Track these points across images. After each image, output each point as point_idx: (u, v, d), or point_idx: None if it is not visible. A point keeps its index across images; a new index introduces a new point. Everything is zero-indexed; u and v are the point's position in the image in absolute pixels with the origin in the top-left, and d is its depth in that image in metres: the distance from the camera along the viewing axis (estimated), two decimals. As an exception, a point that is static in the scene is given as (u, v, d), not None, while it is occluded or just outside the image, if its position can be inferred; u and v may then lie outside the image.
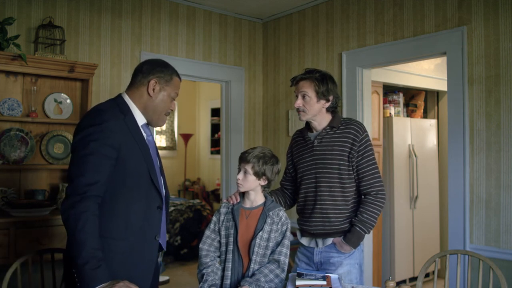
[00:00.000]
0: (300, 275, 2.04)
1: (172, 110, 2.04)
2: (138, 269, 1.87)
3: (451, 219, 3.15)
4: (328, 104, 2.39)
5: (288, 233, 2.12)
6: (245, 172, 2.10)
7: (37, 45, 3.30)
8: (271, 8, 4.36)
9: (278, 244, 2.08)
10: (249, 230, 2.09)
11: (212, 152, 7.92)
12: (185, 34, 4.19)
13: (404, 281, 4.81)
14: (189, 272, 5.59)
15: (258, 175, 2.10)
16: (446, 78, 3.27)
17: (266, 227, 2.08)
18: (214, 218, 2.18)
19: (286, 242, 2.10)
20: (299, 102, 2.40)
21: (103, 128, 1.79)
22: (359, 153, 2.35)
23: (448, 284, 2.82)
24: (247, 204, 2.15)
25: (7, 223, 2.97)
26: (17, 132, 3.26)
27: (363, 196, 2.40)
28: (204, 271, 2.07)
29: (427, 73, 5.01)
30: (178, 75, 2.04)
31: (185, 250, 5.90)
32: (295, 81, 2.43)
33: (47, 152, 3.37)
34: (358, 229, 2.32)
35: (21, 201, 3.18)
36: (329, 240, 2.37)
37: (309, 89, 2.37)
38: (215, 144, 7.69)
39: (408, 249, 4.86)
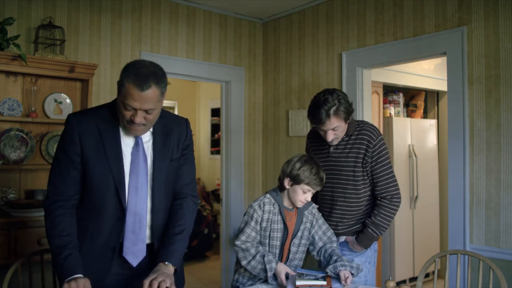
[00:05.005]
0: (300, 275, 2.04)
1: (132, 121, 1.74)
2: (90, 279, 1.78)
3: (451, 219, 3.15)
4: (350, 118, 2.38)
5: (323, 219, 2.33)
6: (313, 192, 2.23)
7: (37, 45, 3.30)
8: (271, 8, 4.36)
9: (324, 232, 2.29)
10: (290, 231, 2.21)
11: (212, 152, 7.92)
12: (185, 34, 4.19)
13: (404, 281, 4.81)
14: (189, 272, 5.58)
15: None
16: (446, 78, 3.27)
17: (302, 227, 2.22)
18: (255, 215, 2.16)
19: (327, 225, 2.33)
20: (331, 135, 2.33)
21: (69, 136, 1.80)
22: (373, 159, 2.36)
23: (448, 284, 2.82)
24: (286, 204, 2.23)
25: (7, 223, 2.97)
26: (17, 132, 3.26)
27: (378, 200, 2.43)
28: (261, 250, 2.13)
29: (427, 73, 5.01)
30: (135, 83, 1.67)
31: (185, 250, 5.89)
32: (322, 122, 2.28)
33: (47, 152, 3.37)
34: (370, 231, 2.37)
35: (21, 201, 3.18)
36: (342, 238, 2.45)
37: (339, 122, 2.30)
38: (215, 144, 7.69)
39: (408, 249, 4.86)
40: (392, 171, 2.42)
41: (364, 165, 2.37)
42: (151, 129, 1.89)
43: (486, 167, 2.99)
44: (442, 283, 4.60)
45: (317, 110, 2.28)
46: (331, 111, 2.24)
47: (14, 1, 3.32)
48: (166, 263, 1.80)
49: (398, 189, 2.41)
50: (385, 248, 4.72)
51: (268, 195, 2.21)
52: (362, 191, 2.40)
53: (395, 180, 2.42)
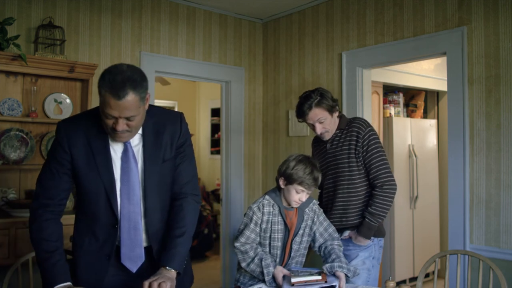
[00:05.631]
0: (296, 273, 2.05)
1: (114, 129, 1.69)
2: (82, 285, 1.78)
3: (451, 219, 3.15)
4: (337, 112, 2.55)
5: (324, 215, 2.32)
6: (308, 193, 2.21)
7: (37, 45, 3.30)
8: (271, 8, 4.36)
9: (325, 228, 2.28)
10: (291, 231, 2.21)
11: (212, 152, 7.92)
12: (185, 34, 4.19)
13: (404, 281, 4.81)
14: (189, 272, 5.57)
15: None
16: (446, 78, 3.27)
17: (303, 224, 2.22)
18: (254, 217, 2.16)
19: (328, 221, 2.32)
20: (320, 128, 2.51)
21: (60, 145, 1.80)
22: (364, 148, 2.47)
23: (448, 284, 2.82)
24: (285, 204, 2.23)
25: (7, 223, 2.97)
26: (17, 132, 3.26)
27: (372, 189, 2.52)
28: (260, 253, 2.12)
29: (427, 73, 5.01)
30: (111, 92, 1.60)
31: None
32: (304, 114, 2.50)
33: (47, 152, 3.37)
34: (367, 220, 2.45)
35: (21, 201, 3.18)
36: (346, 233, 2.53)
37: (322, 113, 2.48)
38: (215, 144, 7.69)
39: (408, 249, 4.86)
40: (383, 159, 2.48)
41: (356, 156, 2.49)
42: (140, 132, 1.84)
43: (486, 167, 2.99)
44: (442, 283, 4.60)
45: (300, 106, 2.50)
46: (313, 104, 2.45)
47: (14, 1, 3.32)
48: (168, 268, 1.77)
49: (389, 176, 2.47)
50: (385, 248, 4.72)
51: (267, 197, 2.21)
52: (358, 180, 2.51)
53: (386, 168, 2.48)
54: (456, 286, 2.55)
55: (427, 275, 4.81)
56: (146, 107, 1.76)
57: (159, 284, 1.66)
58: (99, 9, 3.69)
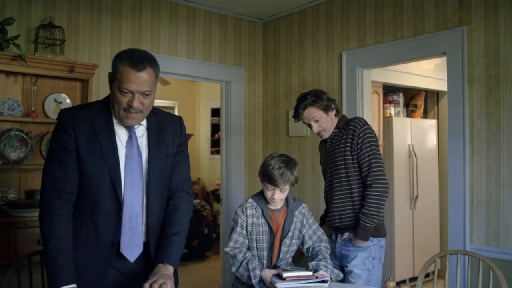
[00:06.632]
0: (286, 270, 2.07)
1: (130, 106, 1.72)
2: (85, 279, 1.76)
3: (451, 219, 3.15)
4: (334, 111, 2.60)
5: (313, 218, 2.31)
6: (282, 191, 2.16)
7: (37, 45, 3.30)
8: (271, 8, 4.36)
9: (314, 231, 2.29)
10: (278, 232, 2.21)
11: (212, 152, 7.92)
12: (185, 34, 4.19)
13: (404, 281, 4.81)
14: (189, 272, 5.58)
15: (293, 184, 2.20)
16: (446, 78, 3.27)
17: (292, 227, 2.21)
18: (239, 221, 2.17)
19: (317, 224, 2.32)
20: (316, 127, 2.57)
21: (63, 130, 1.78)
22: (358, 146, 2.49)
23: (448, 284, 2.82)
24: (271, 206, 2.22)
25: (7, 223, 2.98)
26: (17, 132, 3.26)
27: (365, 189, 2.52)
28: (248, 256, 2.12)
29: (427, 73, 5.01)
30: (130, 65, 1.69)
31: (185, 251, 5.89)
32: (299, 114, 2.57)
33: (47, 149, 3.37)
34: (362, 221, 2.45)
35: (21, 201, 3.18)
36: (345, 235, 2.55)
37: (317, 112, 2.53)
38: (215, 144, 7.69)
39: (408, 249, 4.86)
40: (375, 158, 2.48)
41: (352, 154, 2.51)
42: (145, 124, 1.88)
43: (486, 167, 2.99)
44: (442, 283, 4.60)
45: (296, 107, 2.57)
46: (307, 104, 2.52)
47: (14, 1, 3.32)
48: (165, 264, 1.78)
49: (379, 175, 2.46)
50: (385, 248, 4.72)
51: (250, 200, 2.22)
52: (354, 179, 2.51)
53: (378, 167, 2.47)
54: (456, 286, 2.55)
55: (427, 275, 4.81)
56: (156, 90, 1.82)
57: (160, 286, 1.65)
58: (99, 9, 3.69)
